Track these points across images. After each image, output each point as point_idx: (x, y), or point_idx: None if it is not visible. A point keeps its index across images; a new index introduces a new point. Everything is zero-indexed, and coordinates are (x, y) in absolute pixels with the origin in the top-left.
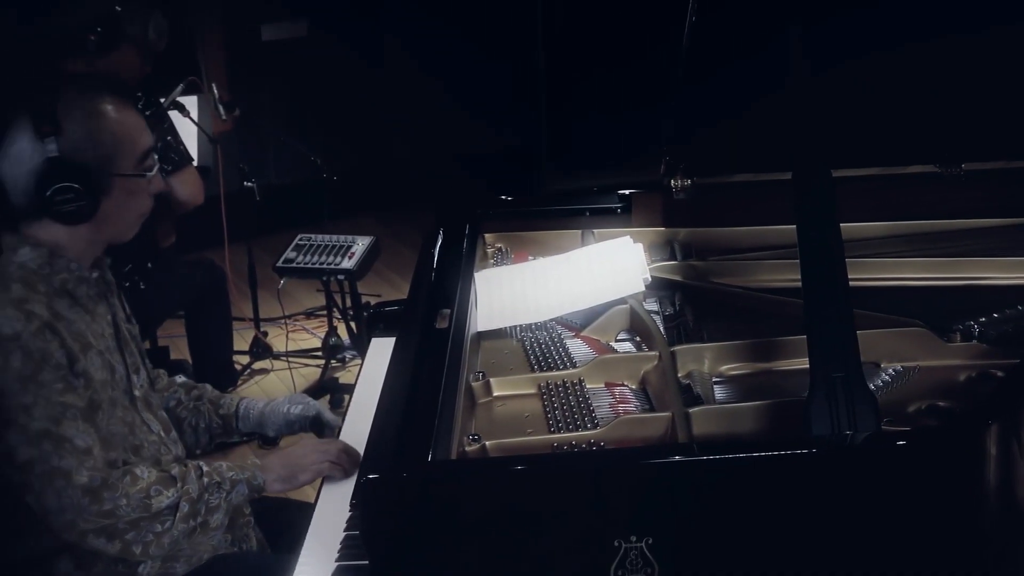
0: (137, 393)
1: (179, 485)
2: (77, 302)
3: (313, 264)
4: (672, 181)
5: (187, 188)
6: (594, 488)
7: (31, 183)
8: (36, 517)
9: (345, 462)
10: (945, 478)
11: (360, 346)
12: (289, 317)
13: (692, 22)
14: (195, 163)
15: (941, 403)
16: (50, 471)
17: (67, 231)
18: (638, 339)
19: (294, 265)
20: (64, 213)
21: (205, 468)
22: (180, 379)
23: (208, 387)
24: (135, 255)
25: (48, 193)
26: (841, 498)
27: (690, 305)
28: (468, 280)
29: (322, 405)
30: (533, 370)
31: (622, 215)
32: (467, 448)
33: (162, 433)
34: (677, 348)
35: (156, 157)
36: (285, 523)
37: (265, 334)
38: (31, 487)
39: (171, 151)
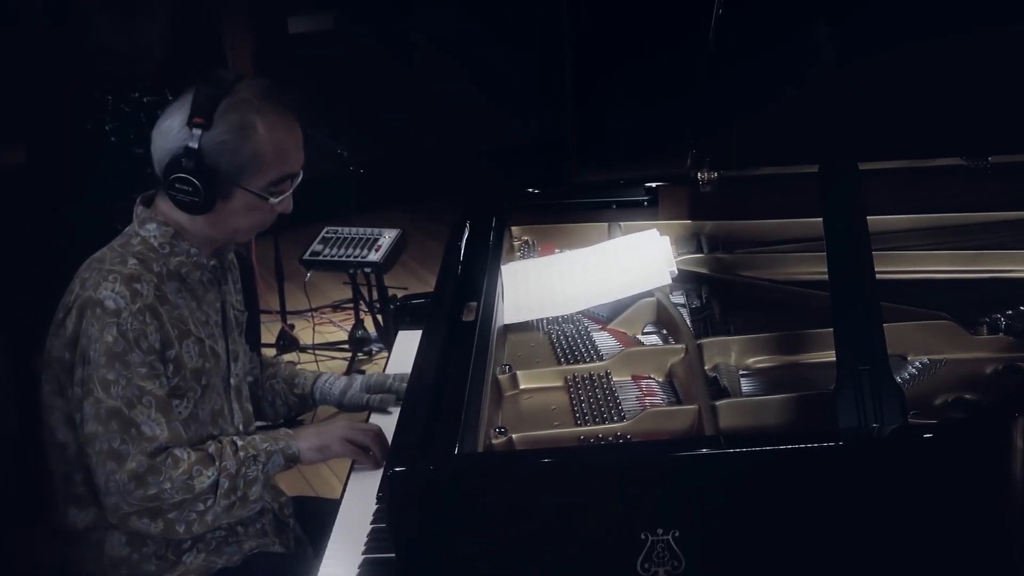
0: (232, 381)
1: (217, 463)
2: (186, 287)
3: (340, 257)
4: (699, 174)
5: None
6: (620, 481)
7: (164, 161)
8: (94, 489)
9: (377, 445)
10: (971, 471)
11: (387, 339)
12: (316, 310)
13: (719, 15)
14: None
15: (968, 396)
16: (107, 451)
17: (187, 217)
18: (665, 332)
19: (321, 258)
20: (178, 200)
21: (240, 443)
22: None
23: (282, 363)
24: None
25: (170, 178)
26: (867, 491)
27: (717, 298)
28: (495, 273)
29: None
30: (560, 363)
31: (649, 208)
32: (494, 441)
33: (240, 427)
34: (704, 341)
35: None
36: (315, 518)
37: (292, 327)
38: (89, 459)
39: None
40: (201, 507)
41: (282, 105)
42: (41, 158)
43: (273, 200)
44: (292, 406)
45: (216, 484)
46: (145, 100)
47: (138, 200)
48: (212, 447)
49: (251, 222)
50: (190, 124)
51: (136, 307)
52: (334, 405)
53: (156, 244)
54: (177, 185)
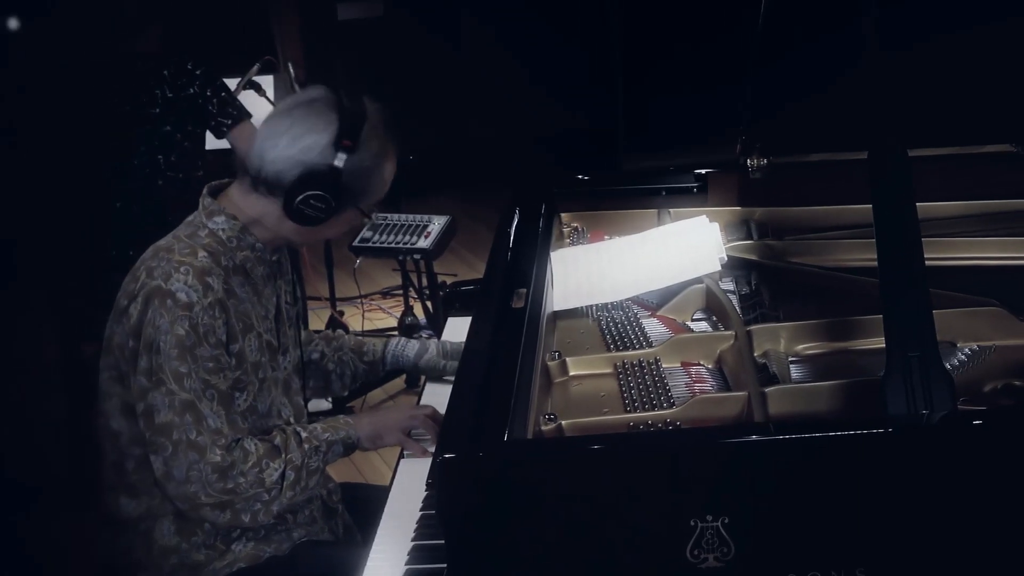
0: (281, 375)
1: (284, 455)
2: (249, 281)
3: (389, 243)
4: (748, 160)
5: (246, 142)
6: (670, 468)
7: (298, 171)
8: (149, 479)
9: (431, 428)
10: (1021, 458)
11: (436, 325)
12: (365, 296)
13: (768, 0)
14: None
15: (1017, 383)
16: (187, 442)
17: (275, 219)
18: (714, 318)
19: (370, 244)
20: (297, 211)
21: (303, 433)
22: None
23: (344, 336)
24: None
25: (298, 191)
26: (916, 479)
27: (766, 284)
28: (544, 259)
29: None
30: (609, 349)
31: (698, 194)
32: (543, 428)
33: (291, 420)
34: (753, 328)
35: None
36: (364, 505)
37: (341, 313)
38: (163, 448)
39: (228, 106)
40: (267, 497)
41: (398, 134)
42: (85, 146)
43: (366, 220)
44: (360, 375)
45: (283, 476)
46: (198, 72)
47: (204, 190)
48: (278, 438)
49: (337, 232)
50: (337, 145)
51: (207, 301)
52: (407, 369)
53: (224, 237)
54: (311, 201)
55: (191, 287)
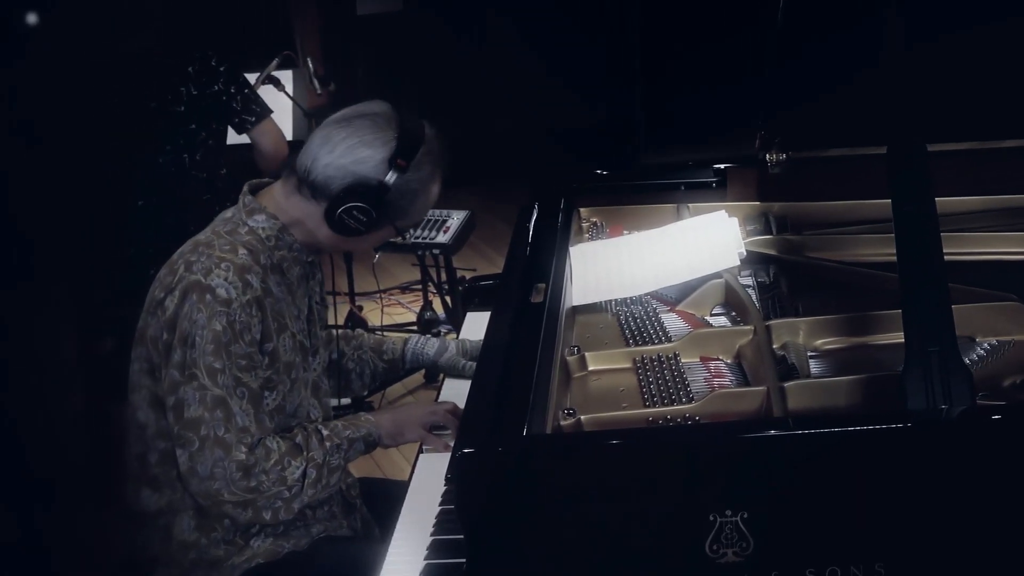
0: (312, 376)
1: (305, 452)
2: (286, 281)
3: (408, 238)
4: (767, 155)
5: (269, 139)
6: (689, 462)
7: (348, 181)
8: (172, 473)
9: (452, 423)
10: None
11: (455, 320)
12: (384, 291)
13: None
14: (278, 120)
15: None
16: (214, 439)
17: (315, 223)
18: (733, 313)
19: (389, 239)
20: (338, 220)
21: (325, 432)
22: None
23: (363, 334)
24: None
25: (344, 200)
26: (935, 473)
27: (785, 279)
28: (563, 254)
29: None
30: (628, 344)
31: (717, 189)
32: (562, 422)
33: (319, 421)
34: (772, 322)
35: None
36: (383, 500)
37: (360, 308)
38: (189, 443)
39: (252, 103)
40: (288, 495)
41: (447, 158)
42: (107, 140)
43: (399, 239)
44: (380, 374)
45: (304, 474)
46: (221, 69)
47: (245, 188)
48: (299, 436)
49: (367, 246)
50: (391, 162)
51: (246, 299)
52: (427, 366)
53: (263, 236)
54: (354, 212)
55: (231, 283)
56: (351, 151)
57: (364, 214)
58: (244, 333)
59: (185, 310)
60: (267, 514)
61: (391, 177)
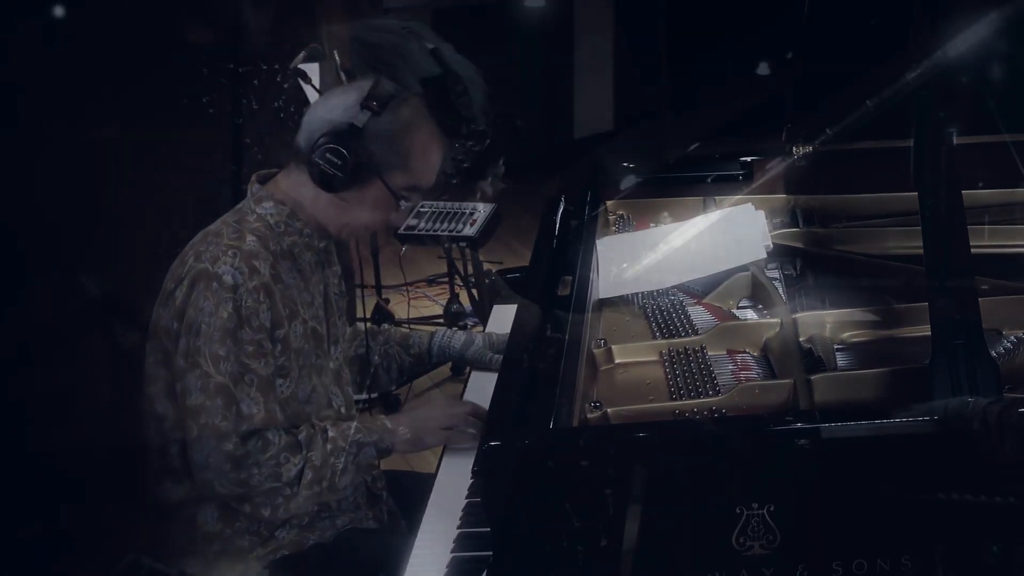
0: (332, 365)
1: (304, 452)
2: (297, 268)
3: (434, 231)
4: (794, 148)
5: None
6: (716, 455)
7: (319, 130)
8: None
9: (474, 426)
10: None
11: (482, 313)
12: (411, 284)
13: None
14: None
15: None
16: (210, 427)
17: (312, 194)
18: (760, 306)
19: (416, 232)
20: (321, 169)
21: (331, 433)
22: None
23: (389, 328)
24: None
25: (319, 145)
26: (962, 466)
27: (812, 272)
28: (590, 247)
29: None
30: (655, 337)
31: (744, 182)
32: (589, 415)
33: (343, 410)
34: (799, 315)
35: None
36: (409, 492)
37: (387, 301)
38: (189, 431)
39: None
40: (287, 492)
41: (446, 118)
42: (137, 132)
43: (401, 204)
44: (406, 368)
45: (301, 473)
46: (240, 71)
47: (253, 178)
48: (303, 434)
49: (370, 219)
50: (363, 106)
51: (252, 284)
52: (454, 360)
53: (272, 222)
54: (327, 155)
55: (237, 269)
56: (326, 102)
57: (338, 156)
58: (252, 319)
59: (193, 298)
60: (266, 511)
61: (363, 119)
